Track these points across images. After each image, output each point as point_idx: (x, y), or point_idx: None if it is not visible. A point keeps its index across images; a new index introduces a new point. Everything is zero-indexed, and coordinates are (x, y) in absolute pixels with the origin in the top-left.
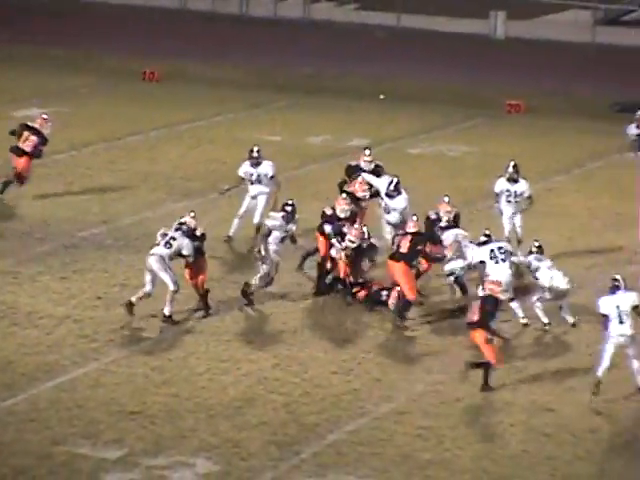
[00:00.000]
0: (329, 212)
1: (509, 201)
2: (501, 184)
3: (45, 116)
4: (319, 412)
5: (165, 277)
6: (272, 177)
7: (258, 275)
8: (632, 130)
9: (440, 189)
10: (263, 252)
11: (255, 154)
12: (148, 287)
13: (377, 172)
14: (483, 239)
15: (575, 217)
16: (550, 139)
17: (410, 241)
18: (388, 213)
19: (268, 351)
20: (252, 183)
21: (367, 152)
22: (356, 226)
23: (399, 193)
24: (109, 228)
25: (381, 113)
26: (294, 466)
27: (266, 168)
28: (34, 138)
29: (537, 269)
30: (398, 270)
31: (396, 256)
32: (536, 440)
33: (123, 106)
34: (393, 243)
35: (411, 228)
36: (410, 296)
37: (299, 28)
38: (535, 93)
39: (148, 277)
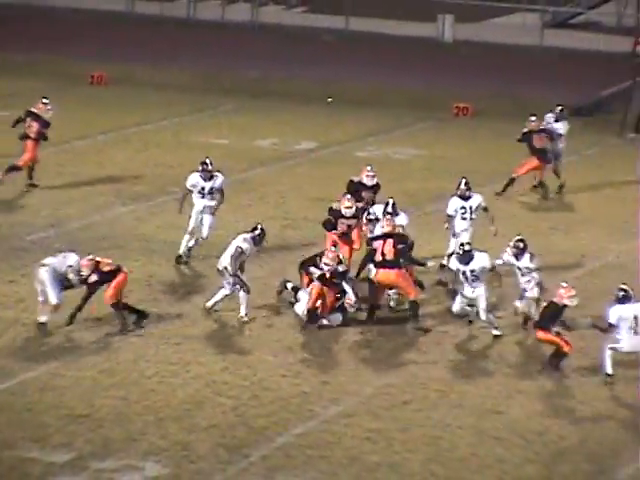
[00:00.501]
0: (335, 206)
1: (464, 218)
2: (455, 203)
3: (45, 101)
4: (268, 415)
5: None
6: (221, 190)
7: (220, 295)
8: (549, 119)
9: (388, 192)
10: (231, 271)
11: (209, 166)
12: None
13: (377, 189)
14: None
15: (522, 220)
16: (498, 142)
17: (393, 245)
18: None
19: (217, 354)
20: (203, 196)
21: (369, 168)
22: (332, 249)
23: (397, 214)
24: (58, 232)
25: (329, 116)
26: (243, 469)
27: (219, 181)
28: (35, 124)
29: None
30: (393, 277)
31: (386, 264)
32: (485, 443)
33: (71, 110)
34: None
35: (385, 227)
36: (413, 295)
37: (247, 31)
38: (483, 96)
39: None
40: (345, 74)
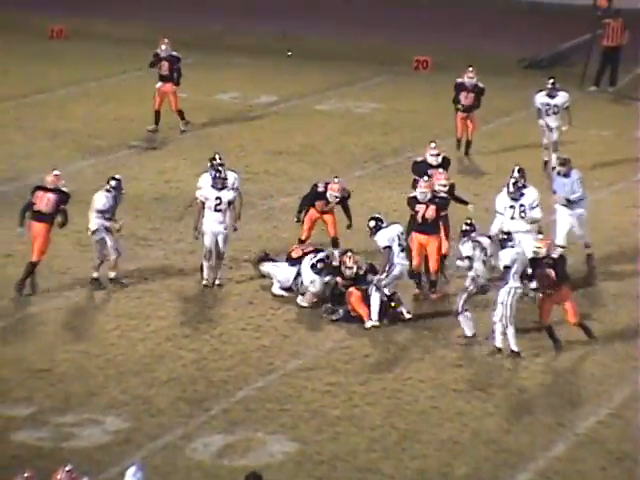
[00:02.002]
0: (320, 189)
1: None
2: (540, 98)
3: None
4: (228, 369)
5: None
6: (236, 189)
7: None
8: (541, 99)
9: (348, 146)
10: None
11: (220, 170)
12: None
13: (444, 165)
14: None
15: (483, 174)
16: None
17: (435, 211)
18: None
19: (177, 308)
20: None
21: (432, 145)
22: (349, 254)
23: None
24: (17, 186)
25: (288, 70)
26: (204, 422)
27: (232, 193)
28: (166, 64)
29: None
30: (432, 244)
31: (427, 229)
32: (445, 396)
33: (30, 64)
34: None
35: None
36: (435, 267)
37: None
38: (442, 50)
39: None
40: (305, 28)
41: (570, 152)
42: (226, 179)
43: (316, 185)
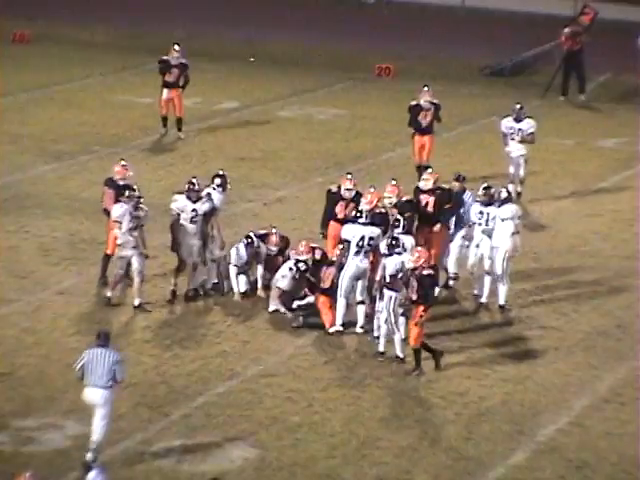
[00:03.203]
0: (334, 189)
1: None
2: (506, 122)
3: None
4: (188, 374)
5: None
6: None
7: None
8: (507, 123)
9: (309, 152)
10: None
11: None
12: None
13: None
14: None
15: (445, 182)
16: None
17: (434, 203)
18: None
19: (138, 313)
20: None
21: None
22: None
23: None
24: None
25: (251, 76)
26: (163, 428)
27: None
28: (176, 70)
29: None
30: (437, 236)
31: (430, 220)
32: (405, 403)
33: None
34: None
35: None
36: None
37: None
38: (405, 56)
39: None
40: (267, 34)
41: (532, 160)
42: (200, 191)
43: (330, 190)
